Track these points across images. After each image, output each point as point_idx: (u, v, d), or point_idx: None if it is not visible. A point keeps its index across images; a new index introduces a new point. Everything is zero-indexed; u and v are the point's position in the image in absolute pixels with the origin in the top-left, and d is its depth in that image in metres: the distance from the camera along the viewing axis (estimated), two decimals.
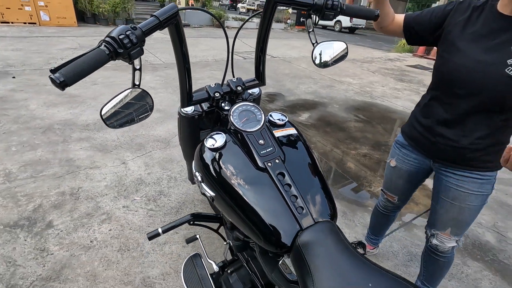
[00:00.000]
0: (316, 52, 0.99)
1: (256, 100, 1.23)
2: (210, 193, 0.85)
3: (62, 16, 9.39)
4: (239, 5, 28.24)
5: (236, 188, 0.78)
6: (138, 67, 0.74)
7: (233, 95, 1.06)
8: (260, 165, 0.81)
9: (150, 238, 1.08)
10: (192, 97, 1.00)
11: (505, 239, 1.91)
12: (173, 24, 0.76)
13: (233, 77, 1.09)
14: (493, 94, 0.87)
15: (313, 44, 0.97)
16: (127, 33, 0.62)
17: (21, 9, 8.80)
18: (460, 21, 0.93)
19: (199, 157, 0.89)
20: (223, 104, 1.03)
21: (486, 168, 1.00)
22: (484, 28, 0.88)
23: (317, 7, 0.86)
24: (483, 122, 0.93)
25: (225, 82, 1.08)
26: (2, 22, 8.51)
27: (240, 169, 0.82)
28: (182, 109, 1.07)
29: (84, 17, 10.33)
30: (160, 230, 1.08)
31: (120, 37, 0.61)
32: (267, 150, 0.84)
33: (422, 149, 1.12)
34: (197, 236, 1.23)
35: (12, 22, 8.69)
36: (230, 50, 1.02)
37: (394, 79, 6.10)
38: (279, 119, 0.96)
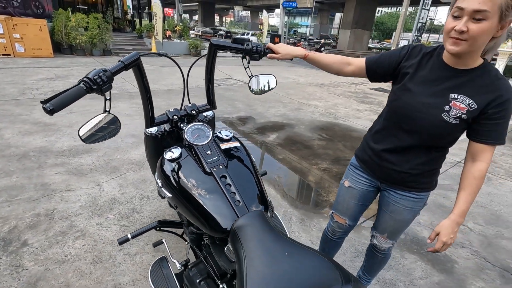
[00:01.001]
0: (252, 83, 1.28)
1: (211, 121, 1.48)
2: (168, 194, 1.07)
3: (37, 48, 9.48)
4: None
5: (187, 189, 1.01)
6: (108, 97, 0.98)
7: (189, 117, 1.31)
8: (207, 170, 1.04)
9: (120, 243, 1.26)
10: (154, 120, 1.24)
11: None
12: (136, 65, 1.02)
13: (189, 103, 1.35)
14: (431, 134, 1.00)
15: (249, 76, 1.26)
16: (100, 74, 0.87)
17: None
18: (413, 65, 1.04)
19: (159, 167, 1.12)
20: (181, 125, 1.28)
21: (421, 189, 1.16)
22: (431, 74, 0.99)
23: (247, 51, 1.15)
24: (422, 153, 1.08)
25: (183, 107, 1.34)
26: (170, 58, 8.49)
27: (191, 174, 1.05)
28: (147, 130, 1.30)
29: (60, 48, 10.47)
30: (129, 236, 1.26)
31: (95, 77, 0.86)
32: (213, 159, 1.08)
33: (371, 171, 1.23)
34: (163, 240, 1.41)
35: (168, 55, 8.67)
36: (185, 81, 1.29)
37: (357, 101, 6.66)
38: (226, 135, 1.22)
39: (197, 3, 44.14)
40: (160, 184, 1.11)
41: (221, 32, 39.09)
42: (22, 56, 9.17)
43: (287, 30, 52.35)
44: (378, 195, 1.34)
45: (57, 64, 8.09)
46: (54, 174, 2.58)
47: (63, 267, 1.64)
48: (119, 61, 0.96)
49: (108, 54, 11.30)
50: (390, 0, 26.58)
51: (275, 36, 15.82)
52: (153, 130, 1.31)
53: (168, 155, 1.09)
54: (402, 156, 1.12)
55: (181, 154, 1.09)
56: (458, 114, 0.94)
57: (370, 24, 24.71)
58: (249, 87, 1.28)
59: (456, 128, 0.97)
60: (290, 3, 15.97)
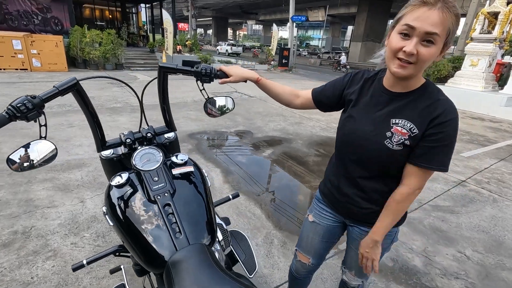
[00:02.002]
0: (208, 105, 1.23)
1: (172, 143, 1.42)
2: (110, 223, 1.02)
3: (53, 62, 9.92)
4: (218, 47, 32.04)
5: (127, 217, 0.96)
6: (43, 123, 0.94)
7: (145, 140, 1.26)
8: (151, 198, 0.99)
9: (74, 270, 1.21)
10: (106, 143, 1.20)
11: (431, 263, 2.05)
12: (74, 90, 0.99)
13: (147, 125, 1.31)
14: (378, 162, 0.93)
15: (205, 99, 1.21)
16: (24, 102, 0.84)
17: (14, 56, 9.30)
18: (355, 91, 1.00)
19: (106, 193, 1.07)
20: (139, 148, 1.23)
21: None
22: (373, 100, 0.94)
23: (196, 73, 1.11)
24: (378, 185, 0.98)
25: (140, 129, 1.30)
26: (119, 81, 8.95)
27: (134, 201, 1.00)
28: (102, 153, 1.26)
29: (75, 62, 10.93)
30: (84, 262, 1.21)
31: (18, 105, 0.83)
32: (159, 185, 1.02)
33: (333, 205, 1.15)
34: (121, 267, 1.35)
35: (4, 69, 9.12)
36: (141, 103, 1.26)
37: None
38: (181, 159, 1.16)
39: (211, 18, 45.40)
40: (104, 211, 1.06)
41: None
42: (38, 70, 9.60)
43: (299, 43, 52.89)
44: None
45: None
46: (41, 190, 2.60)
47: (49, 284, 1.61)
48: (53, 86, 0.94)
49: (120, 68, 11.69)
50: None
51: (284, 50, 15.93)
52: (108, 152, 1.27)
53: (114, 180, 1.04)
54: (358, 189, 1.03)
55: (127, 180, 1.04)
56: (401, 140, 0.87)
57: (382, 37, 24.57)
58: (205, 110, 1.23)
59: (401, 155, 0.89)
60: (299, 17, 16.10)
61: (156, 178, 1.04)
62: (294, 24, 16.57)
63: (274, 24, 17.28)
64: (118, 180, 1.04)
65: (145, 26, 20.23)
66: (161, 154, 1.14)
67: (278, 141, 4.39)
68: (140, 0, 17.39)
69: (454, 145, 0.87)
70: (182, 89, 7.92)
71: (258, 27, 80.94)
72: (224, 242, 1.24)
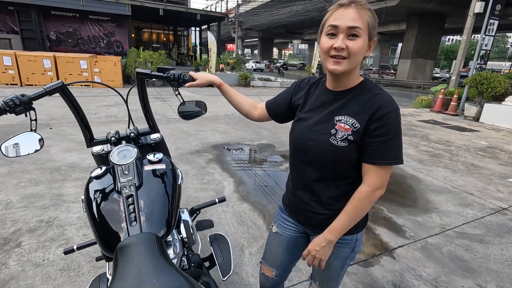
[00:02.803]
0: (181, 109, 1.33)
1: (158, 143, 1.53)
2: (83, 209, 1.15)
3: (111, 79, 11.21)
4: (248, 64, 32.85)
5: (95, 205, 1.07)
6: (33, 118, 1.11)
7: (129, 139, 1.40)
8: (117, 189, 1.10)
9: (65, 253, 1.37)
10: (94, 139, 1.36)
11: None
12: (59, 92, 1.16)
13: (133, 126, 1.45)
14: (326, 161, 0.95)
15: (180, 102, 1.32)
16: (13, 99, 1.02)
17: (80, 74, 10.75)
18: (302, 96, 1.06)
19: (86, 183, 1.21)
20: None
21: None
22: (317, 101, 1.00)
23: (167, 79, 1.22)
24: (331, 188, 0.99)
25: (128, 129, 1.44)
26: (106, 86, 10.39)
27: (104, 191, 1.12)
28: (93, 149, 1.43)
29: (129, 79, 12.21)
30: (75, 247, 1.36)
31: (7, 101, 1.01)
32: (128, 178, 1.13)
33: (293, 214, 1.15)
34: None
35: (71, 85, 10.57)
36: (127, 106, 1.41)
37: None
38: (156, 158, 1.26)
39: (257, 39, 47.31)
40: (82, 199, 1.19)
41: (277, 64, 40.93)
42: (98, 86, 10.92)
43: None
44: None
45: (123, 93, 9.35)
46: (72, 187, 2.94)
47: (36, 270, 1.82)
48: (42, 87, 1.11)
49: (167, 85, 12.70)
50: (455, 28, 24.58)
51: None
52: (98, 149, 1.43)
53: (94, 172, 1.18)
54: (312, 194, 1.04)
55: (105, 172, 1.17)
56: (344, 136, 0.90)
57: (434, 53, 23.05)
58: (179, 113, 1.33)
59: (347, 151, 0.91)
60: None
61: (127, 172, 1.14)
62: None
63: (316, 43, 17.32)
64: (97, 172, 1.17)
65: (196, 47, 21.83)
66: (135, 151, 1.25)
67: None
68: (191, 24, 18.94)
69: (401, 136, 0.89)
70: (218, 104, 8.31)
71: (304, 46, 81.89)
72: (188, 240, 1.28)
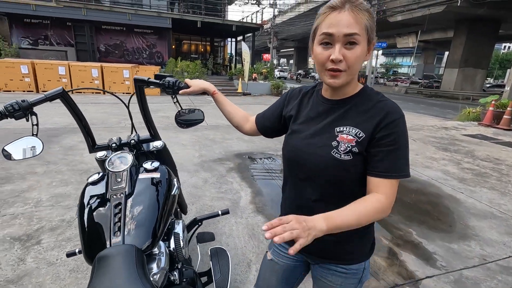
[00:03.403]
0: (180, 115, 1.30)
1: (160, 151, 1.52)
2: (76, 215, 1.15)
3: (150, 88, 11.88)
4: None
5: (85, 211, 1.06)
6: (35, 123, 1.15)
7: (130, 146, 1.40)
8: (107, 197, 1.09)
9: (68, 256, 1.39)
10: (96, 145, 1.38)
11: None
12: (60, 98, 1.18)
13: (136, 133, 1.45)
14: (328, 178, 0.84)
15: (179, 111, 1.29)
16: (12, 104, 1.06)
17: (123, 83, 11.55)
18: (294, 107, 0.98)
19: (83, 188, 1.23)
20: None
21: (348, 260, 0.92)
22: (313, 112, 0.91)
23: (163, 86, 1.20)
24: (333, 209, 0.78)
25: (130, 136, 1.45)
26: (107, 92, 11.27)
27: (95, 198, 1.11)
28: (97, 155, 1.45)
29: None
30: (76, 250, 1.38)
31: (6, 106, 1.05)
32: (119, 186, 1.11)
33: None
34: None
35: (115, 92, 11.39)
36: (130, 113, 1.42)
37: (436, 148, 5.61)
38: (153, 166, 1.24)
39: (293, 48, 47.41)
40: (77, 203, 1.20)
41: (313, 74, 40.59)
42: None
43: (385, 70, 49.90)
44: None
45: (157, 101, 9.86)
46: None
47: (49, 269, 1.89)
48: (43, 94, 1.15)
49: (200, 93, 13.14)
50: (509, 35, 22.37)
51: (360, 77, 15.28)
52: (102, 154, 1.45)
53: (90, 178, 1.18)
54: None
55: (100, 178, 1.17)
56: (348, 148, 0.80)
57: (486, 62, 21.12)
58: (175, 121, 1.30)
59: (352, 165, 0.81)
60: (379, 44, 15.35)
61: (119, 179, 1.13)
62: (375, 51, 15.80)
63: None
64: (93, 177, 1.17)
65: (232, 57, 22.45)
66: (131, 158, 1.24)
67: None
68: (227, 35, 19.55)
69: (408, 147, 0.80)
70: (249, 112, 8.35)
71: None
72: (177, 254, 1.23)
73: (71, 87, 10.97)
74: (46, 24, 13.65)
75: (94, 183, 1.16)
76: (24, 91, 10.56)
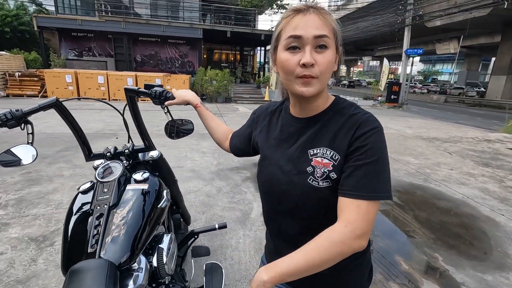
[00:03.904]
0: (170, 126, 1.27)
1: (156, 161, 1.51)
2: (63, 223, 1.16)
3: None
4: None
5: (68, 221, 1.06)
6: (30, 131, 1.18)
7: (123, 155, 1.39)
8: (91, 207, 1.08)
9: None
10: (91, 153, 1.39)
11: None
12: (54, 107, 1.20)
13: (131, 142, 1.45)
14: (308, 209, 0.74)
15: (169, 120, 1.27)
16: (5, 113, 1.09)
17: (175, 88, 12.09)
18: (263, 128, 0.88)
19: (74, 196, 1.23)
20: (124, 161, 1.37)
21: None
22: (283, 133, 0.81)
23: (150, 96, 1.19)
24: None
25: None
26: (101, 101, 11.88)
27: (81, 208, 1.11)
28: (94, 163, 1.47)
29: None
30: None
31: (0, 115, 1.08)
32: (104, 196, 1.10)
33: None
34: None
35: (146, 100, 11.95)
36: (126, 122, 1.42)
37: (475, 162, 5.09)
38: (142, 177, 1.22)
39: None
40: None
41: (344, 82, 39.69)
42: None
43: (423, 78, 47.22)
44: None
45: (186, 108, 10.13)
46: None
47: (55, 272, 1.95)
48: (38, 104, 1.17)
49: (228, 101, 13.36)
50: None
51: (393, 85, 14.58)
52: (99, 162, 1.46)
53: (81, 187, 1.19)
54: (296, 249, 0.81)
55: (90, 188, 1.17)
56: (325, 174, 0.69)
57: None
58: (165, 131, 1.27)
59: (332, 192, 0.69)
60: (415, 50, 14.55)
61: (106, 190, 1.12)
62: (410, 58, 15.06)
63: (385, 59, 16.20)
64: (84, 186, 1.17)
65: (261, 66, 22.67)
66: (121, 169, 1.22)
67: None
68: (257, 44, 19.78)
69: (387, 162, 0.67)
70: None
71: (376, 63, 77.70)
72: (159, 270, 1.18)
73: (108, 95, 11.70)
74: (90, 37, 14.80)
75: (85, 192, 1.16)
76: (67, 98, 11.46)
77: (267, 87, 13.90)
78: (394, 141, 6.51)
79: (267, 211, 0.88)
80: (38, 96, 11.46)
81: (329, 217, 0.71)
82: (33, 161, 1.21)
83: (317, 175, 0.69)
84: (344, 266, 0.72)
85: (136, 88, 1.22)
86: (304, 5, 0.67)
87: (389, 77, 18.13)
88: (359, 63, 75.06)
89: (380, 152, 0.65)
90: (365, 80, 45.79)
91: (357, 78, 53.43)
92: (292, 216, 0.78)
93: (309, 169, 0.71)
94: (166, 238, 1.34)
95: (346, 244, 0.62)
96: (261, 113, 0.92)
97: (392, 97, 14.57)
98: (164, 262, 1.20)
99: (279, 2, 20.17)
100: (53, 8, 15.45)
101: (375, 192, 0.63)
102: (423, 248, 2.45)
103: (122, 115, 1.40)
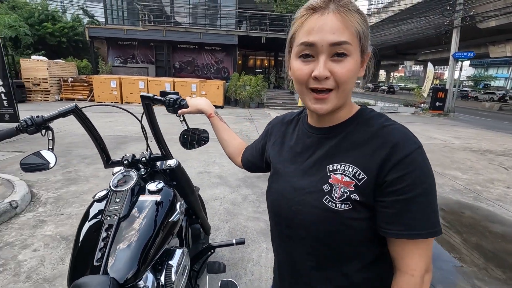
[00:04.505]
0: (183, 136, 1.21)
1: (174, 170, 1.45)
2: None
3: (213, 101, 12.58)
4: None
5: (80, 230, 1.04)
6: (50, 137, 1.19)
7: (140, 163, 1.36)
8: (102, 217, 1.05)
9: None
10: (110, 160, 1.38)
11: None
12: (73, 113, 1.20)
13: (149, 150, 1.42)
14: (323, 235, 0.63)
15: (184, 129, 1.21)
16: (26, 120, 1.10)
17: (191, 96, 12.42)
18: (277, 139, 0.80)
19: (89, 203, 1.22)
20: (142, 169, 1.34)
21: None
22: (298, 145, 0.72)
23: (164, 103, 1.14)
24: (335, 279, 0.65)
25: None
26: (120, 108, 12.31)
27: (93, 216, 1.09)
28: (114, 169, 1.46)
29: (229, 101, 13.43)
30: None
31: (21, 121, 1.10)
32: (116, 207, 1.07)
33: None
34: None
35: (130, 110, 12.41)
36: (144, 130, 1.39)
37: None
38: (156, 187, 1.18)
39: None
40: None
41: (383, 87, 37.88)
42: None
43: (474, 83, 43.36)
44: None
45: (220, 112, 10.31)
46: None
47: None
48: (57, 110, 1.18)
49: (261, 106, 13.35)
50: None
51: (438, 91, 13.51)
52: (118, 169, 1.45)
53: (97, 195, 1.18)
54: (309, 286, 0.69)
55: (104, 196, 1.15)
56: (345, 195, 0.58)
57: None
58: (180, 141, 1.21)
59: (352, 218, 0.59)
60: (465, 54, 13.35)
61: (118, 200, 1.09)
62: (459, 62, 13.87)
63: (429, 63, 15.11)
64: (99, 194, 1.16)
65: None
66: (135, 178, 1.19)
67: None
68: None
69: (433, 189, 0.56)
70: None
71: (419, 67, 73.33)
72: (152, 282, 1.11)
73: None
74: (134, 45, 15.79)
75: (100, 200, 1.13)
76: (111, 102, 12.28)
77: None
78: (439, 152, 5.95)
79: (276, 237, 0.77)
80: (86, 100, 12.42)
81: (344, 247, 0.62)
82: (53, 167, 1.21)
83: (336, 195, 0.59)
84: None
85: (152, 95, 1.18)
86: (322, 1, 0.56)
87: (434, 82, 16.85)
88: (400, 68, 71.31)
89: (430, 178, 0.55)
90: (397, 85, 43.76)
91: (394, 84, 50.87)
92: (303, 245, 0.67)
93: (325, 187, 0.61)
94: (177, 253, 1.27)
95: None
96: (276, 124, 0.84)
97: (437, 104, 13.49)
98: (172, 281, 1.12)
99: None
100: (103, 20, 16.79)
101: (433, 228, 0.55)
102: (472, 280, 2.12)
103: (140, 121, 1.37)
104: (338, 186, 0.59)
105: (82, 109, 1.22)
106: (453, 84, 13.86)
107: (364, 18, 0.57)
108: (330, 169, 0.62)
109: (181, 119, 1.19)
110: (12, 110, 5.83)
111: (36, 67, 11.63)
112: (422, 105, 14.37)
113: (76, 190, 3.32)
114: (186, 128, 1.20)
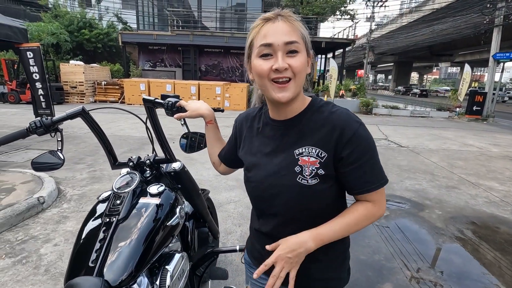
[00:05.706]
0: (183, 140, 1.20)
1: (178, 173, 1.45)
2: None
3: (237, 103, 12.71)
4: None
5: (81, 230, 1.06)
6: (59, 139, 1.23)
7: (145, 165, 1.37)
8: (102, 218, 1.07)
9: None
10: (116, 162, 1.40)
11: None
12: (80, 116, 1.23)
13: (154, 153, 1.43)
14: (301, 210, 0.78)
15: (185, 132, 1.21)
16: (35, 121, 1.14)
17: (215, 98, 12.70)
18: (246, 136, 0.91)
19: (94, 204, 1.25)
20: (148, 171, 1.35)
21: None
22: (266, 138, 0.84)
23: (163, 106, 1.13)
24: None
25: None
26: (126, 111, 12.59)
27: (95, 217, 1.11)
28: (121, 171, 1.48)
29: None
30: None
31: (30, 123, 1.14)
32: (115, 208, 1.09)
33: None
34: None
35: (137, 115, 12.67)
36: (149, 133, 1.40)
37: None
38: (157, 190, 1.18)
39: (392, 63, 43.44)
40: None
41: (415, 91, 36.11)
42: (226, 109, 12.57)
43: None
44: None
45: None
46: None
47: None
48: (65, 112, 1.21)
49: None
50: None
51: (476, 94, 12.59)
52: (125, 171, 1.47)
53: (102, 195, 1.20)
54: None
55: (107, 197, 1.17)
56: (313, 171, 0.74)
57: None
58: (180, 144, 1.21)
59: (323, 189, 0.76)
60: (507, 54, 12.33)
61: (118, 202, 1.10)
62: (500, 63, 12.87)
63: (466, 65, 14.16)
64: (103, 195, 1.18)
65: (321, 74, 22.15)
66: (137, 180, 1.19)
67: (398, 206, 3.41)
68: (317, 52, 19.37)
69: (376, 151, 0.75)
70: None
71: (455, 69, 69.15)
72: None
73: None
74: (163, 49, 16.40)
75: (103, 201, 1.15)
76: (140, 104, 12.83)
77: (325, 96, 13.38)
78: (474, 161, 5.51)
79: (258, 215, 0.90)
80: (118, 102, 13.06)
81: (320, 214, 0.78)
82: (61, 167, 1.25)
83: (306, 173, 0.74)
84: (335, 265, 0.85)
85: (153, 98, 1.18)
86: (272, 13, 0.71)
87: (473, 85, 15.76)
88: (434, 70, 67.70)
89: (371, 145, 0.73)
90: (416, 87, 42.18)
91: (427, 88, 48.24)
92: (284, 219, 0.81)
93: (297, 168, 0.75)
94: (176, 258, 1.25)
95: (375, 217, 0.77)
96: (241, 120, 0.95)
97: (475, 108, 12.57)
98: (167, 286, 1.11)
99: (342, 8, 19.45)
100: (135, 26, 17.64)
101: (381, 180, 0.74)
102: None
103: (145, 123, 1.38)
104: (307, 166, 0.74)
105: (89, 111, 1.24)
106: (493, 86, 12.87)
107: (305, 26, 0.73)
108: (297, 153, 0.76)
109: (182, 123, 1.18)
110: (49, 111, 6.26)
111: (73, 71, 12.46)
112: (458, 109, 13.47)
113: (99, 188, 3.47)
114: (187, 131, 1.19)
